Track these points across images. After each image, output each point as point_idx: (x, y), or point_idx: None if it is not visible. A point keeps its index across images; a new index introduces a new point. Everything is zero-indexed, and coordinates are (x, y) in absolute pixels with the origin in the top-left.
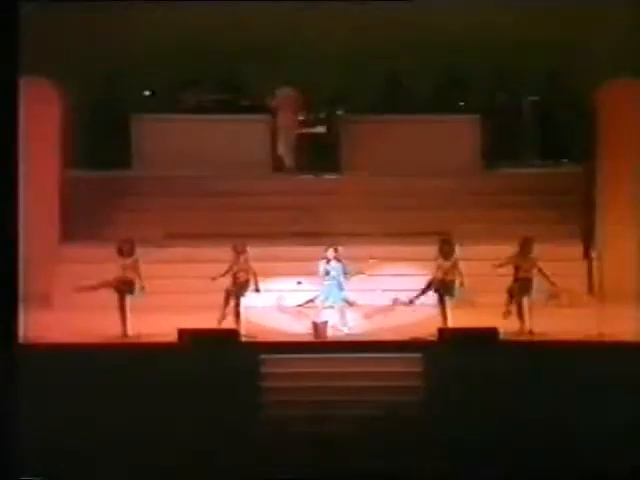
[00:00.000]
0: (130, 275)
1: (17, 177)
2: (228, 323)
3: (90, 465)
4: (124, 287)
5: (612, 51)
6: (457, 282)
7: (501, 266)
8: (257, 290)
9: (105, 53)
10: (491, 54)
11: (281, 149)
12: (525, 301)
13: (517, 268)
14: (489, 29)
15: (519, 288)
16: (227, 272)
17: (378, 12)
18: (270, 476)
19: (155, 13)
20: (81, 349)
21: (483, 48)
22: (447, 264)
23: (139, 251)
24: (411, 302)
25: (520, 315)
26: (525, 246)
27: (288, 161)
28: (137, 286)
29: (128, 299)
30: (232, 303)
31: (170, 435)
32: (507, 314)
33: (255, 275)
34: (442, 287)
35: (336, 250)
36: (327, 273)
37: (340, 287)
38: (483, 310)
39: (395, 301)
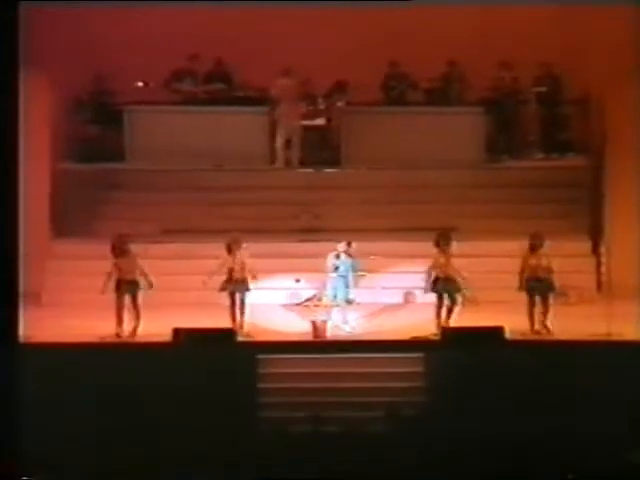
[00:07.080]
0: (132, 273)
1: (17, 173)
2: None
3: (89, 464)
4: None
5: (618, 46)
6: (459, 279)
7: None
8: (247, 289)
9: (98, 46)
10: (495, 46)
11: (280, 142)
12: (537, 300)
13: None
14: (493, 22)
15: (532, 286)
16: (220, 270)
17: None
18: (268, 477)
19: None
20: (75, 348)
21: (487, 41)
22: (443, 259)
23: (133, 247)
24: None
25: (530, 313)
26: (534, 243)
27: (288, 154)
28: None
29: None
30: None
31: (167, 435)
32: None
33: (248, 272)
34: (444, 286)
35: (349, 244)
36: (336, 268)
37: (347, 284)
38: (487, 307)
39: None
